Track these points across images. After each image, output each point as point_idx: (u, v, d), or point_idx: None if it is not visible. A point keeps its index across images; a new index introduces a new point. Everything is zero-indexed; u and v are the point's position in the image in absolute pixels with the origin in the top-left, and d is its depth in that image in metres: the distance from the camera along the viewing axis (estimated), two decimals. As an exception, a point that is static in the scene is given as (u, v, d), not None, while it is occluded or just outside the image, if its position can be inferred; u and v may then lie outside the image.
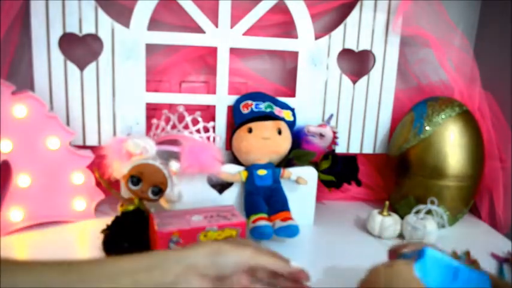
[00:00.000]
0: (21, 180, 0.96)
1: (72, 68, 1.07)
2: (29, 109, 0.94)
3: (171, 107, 1.13)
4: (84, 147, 1.08)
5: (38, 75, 1.05)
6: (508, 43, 1.14)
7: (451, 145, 1.07)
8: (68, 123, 1.08)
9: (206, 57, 1.18)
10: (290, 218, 1.01)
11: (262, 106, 1.09)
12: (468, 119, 1.09)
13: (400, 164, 1.15)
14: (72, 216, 1.03)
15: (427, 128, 1.08)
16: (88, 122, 1.10)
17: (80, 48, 1.12)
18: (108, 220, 0.93)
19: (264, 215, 0.99)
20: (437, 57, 1.15)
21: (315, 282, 0.82)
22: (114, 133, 1.12)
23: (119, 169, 0.92)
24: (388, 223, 1.03)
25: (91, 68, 1.07)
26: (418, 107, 1.14)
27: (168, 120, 1.06)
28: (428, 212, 1.05)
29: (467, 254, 0.96)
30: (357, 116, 1.20)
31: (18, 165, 0.96)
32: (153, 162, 0.92)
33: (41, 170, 0.98)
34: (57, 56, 1.05)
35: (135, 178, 0.91)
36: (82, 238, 0.99)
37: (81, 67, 1.07)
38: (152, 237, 0.86)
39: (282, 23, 1.16)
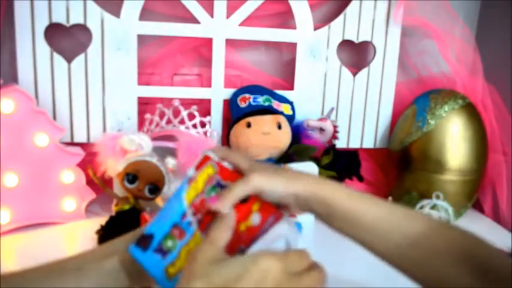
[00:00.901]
0: (7, 179, 0.91)
1: (59, 60, 1.01)
2: (16, 104, 0.89)
3: (163, 101, 1.08)
4: (72, 144, 1.03)
5: (23, 67, 1.00)
6: (509, 33, 1.12)
7: (455, 138, 1.05)
8: (54, 119, 1.02)
9: (200, 49, 1.14)
10: (292, 215, 0.97)
11: (261, 100, 1.06)
12: (471, 111, 1.07)
13: (402, 159, 1.12)
14: (62, 217, 0.98)
15: (430, 121, 1.06)
16: (76, 118, 1.05)
17: (67, 39, 1.06)
18: (99, 221, 0.89)
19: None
20: (439, 48, 1.13)
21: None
22: (104, 129, 1.07)
23: (113, 167, 0.88)
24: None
25: (79, 60, 1.02)
26: (420, 99, 1.11)
27: (162, 115, 1.02)
28: (433, 207, 1.02)
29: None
30: (357, 109, 1.17)
31: (5, 164, 0.90)
32: (149, 159, 0.88)
33: (29, 168, 0.93)
34: (43, 47, 1.00)
35: (130, 176, 0.86)
36: (72, 240, 0.95)
37: (69, 59, 1.02)
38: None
39: (279, 13, 1.13)
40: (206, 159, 0.51)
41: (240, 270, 0.40)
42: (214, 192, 0.49)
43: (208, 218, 0.48)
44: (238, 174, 0.51)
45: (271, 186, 0.50)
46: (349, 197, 0.53)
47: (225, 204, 0.48)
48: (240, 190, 0.49)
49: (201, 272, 0.41)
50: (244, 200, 0.49)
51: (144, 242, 0.47)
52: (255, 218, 0.49)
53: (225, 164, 0.52)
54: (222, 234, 0.45)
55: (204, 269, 0.41)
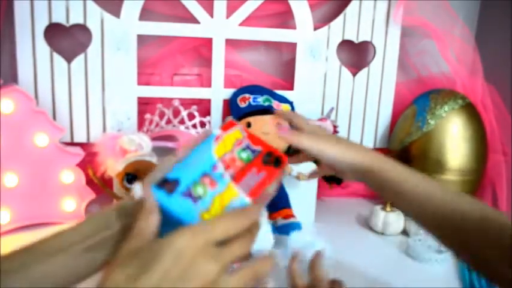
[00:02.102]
0: (7, 179, 0.91)
1: (58, 60, 1.01)
2: (15, 104, 0.89)
3: (163, 101, 1.08)
4: (72, 144, 1.03)
5: (22, 67, 1.00)
6: (509, 33, 1.12)
7: (454, 138, 1.05)
8: (54, 119, 1.02)
9: (200, 49, 1.14)
10: (292, 215, 0.98)
11: (261, 100, 1.05)
12: (471, 111, 1.07)
13: (402, 159, 1.12)
14: (61, 217, 0.98)
15: (430, 121, 1.06)
16: (76, 118, 1.05)
17: (67, 39, 1.06)
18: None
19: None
20: (439, 48, 1.13)
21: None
22: (104, 129, 1.06)
23: (113, 167, 0.87)
24: (391, 219, 1.01)
25: (79, 60, 1.02)
26: (420, 99, 1.11)
27: (162, 115, 1.02)
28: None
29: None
30: (357, 110, 1.17)
31: (5, 164, 0.90)
32: (149, 159, 0.87)
33: (29, 168, 0.93)
34: (43, 47, 1.00)
35: (130, 176, 0.86)
36: (72, 240, 0.94)
37: (69, 59, 1.02)
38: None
39: (279, 13, 1.13)
40: (231, 124, 0.52)
41: (153, 256, 0.39)
42: (245, 153, 0.50)
43: (242, 173, 0.48)
44: (266, 143, 0.52)
45: (326, 153, 0.59)
46: (401, 171, 0.59)
47: (295, 140, 0.58)
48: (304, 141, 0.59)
49: (120, 262, 0.40)
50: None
51: (168, 185, 0.45)
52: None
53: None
54: (147, 222, 0.42)
55: (123, 260, 0.40)
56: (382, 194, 0.61)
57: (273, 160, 0.50)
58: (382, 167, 0.59)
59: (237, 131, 0.52)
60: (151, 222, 0.43)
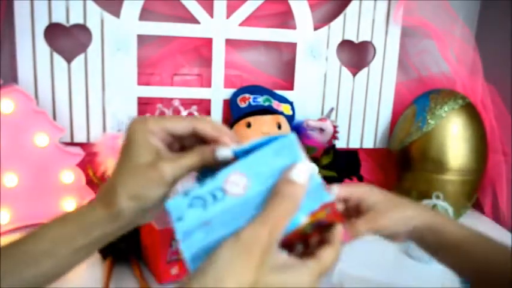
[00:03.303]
0: (7, 179, 0.91)
1: (58, 60, 1.01)
2: (15, 104, 0.89)
3: (163, 101, 1.08)
4: (72, 144, 1.03)
5: (22, 68, 1.00)
6: (509, 33, 1.12)
7: (454, 138, 1.05)
8: (54, 119, 1.02)
9: (200, 49, 1.14)
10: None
11: (261, 100, 1.06)
12: (471, 111, 1.07)
13: (402, 159, 1.12)
14: (62, 217, 0.98)
15: (430, 121, 1.06)
16: (76, 118, 1.05)
17: (67, 39, 1.06)
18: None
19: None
20: (439, 48, 1.13)
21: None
22: (104, 129, 1.06)
23: (113, 166, 0.87)
24: (391, 219, 1.01)
25: (79, 60, 1.02)
26: (420, 99, 1.11)
27: (162, 115, 1.02)
28: (433, 207, 1.02)
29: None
30: (357, 110, 1.17)
31: (5, 164, 0.91)
32: (149, 159, 0.87)
33: (29, 168, 0.93)
34: (43, 47, 1.00)
35: (130, 176, 0.86)
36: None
37: (69, 59, 1.02)
38: (150, 238, 0.81)
39: (279, 13, 1.13)
40: (326, 205, 0.43)
41: None
42: (309, 227, 0.43)
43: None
44: (342, 217, 0.46)
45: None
46: (460, 230, 0.59)
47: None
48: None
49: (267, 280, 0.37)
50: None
51: None
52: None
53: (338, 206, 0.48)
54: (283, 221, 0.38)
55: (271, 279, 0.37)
56: (438, 254, 0.61)
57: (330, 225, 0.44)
58: (440, 228, 0.59)
59: (322, 211, 0.43)
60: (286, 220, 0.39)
